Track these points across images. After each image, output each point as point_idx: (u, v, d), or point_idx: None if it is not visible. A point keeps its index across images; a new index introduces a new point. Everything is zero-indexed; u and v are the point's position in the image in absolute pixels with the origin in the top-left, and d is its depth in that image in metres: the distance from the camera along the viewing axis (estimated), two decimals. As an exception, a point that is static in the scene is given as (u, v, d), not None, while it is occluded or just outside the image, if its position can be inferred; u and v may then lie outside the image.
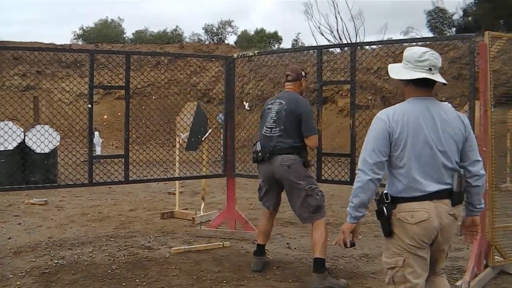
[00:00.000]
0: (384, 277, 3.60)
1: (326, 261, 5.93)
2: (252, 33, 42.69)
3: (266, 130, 6.02)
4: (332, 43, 33.72)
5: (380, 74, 20.77)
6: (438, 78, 3.63)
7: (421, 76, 3.59)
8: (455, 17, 35.60)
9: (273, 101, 6.15)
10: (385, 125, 3.60)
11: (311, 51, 10.63)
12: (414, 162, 3.54)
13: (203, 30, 43.29)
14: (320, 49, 7.23)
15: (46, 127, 10.28)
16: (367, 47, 19.87)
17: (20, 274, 6.05)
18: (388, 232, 3.64)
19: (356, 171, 3.68)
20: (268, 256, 6.74)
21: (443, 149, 3.56)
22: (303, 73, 6.30)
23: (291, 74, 6.21)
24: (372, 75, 20.81)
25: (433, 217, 3.50)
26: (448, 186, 3.59)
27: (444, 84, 3.71)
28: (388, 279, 3.68)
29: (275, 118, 5.97)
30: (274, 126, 5.96)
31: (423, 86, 3.66)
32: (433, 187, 3.55)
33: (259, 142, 6.13)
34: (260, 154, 5.99)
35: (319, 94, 7.00)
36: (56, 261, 6.59)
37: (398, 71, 3.74)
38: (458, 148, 3.63)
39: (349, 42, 32.97)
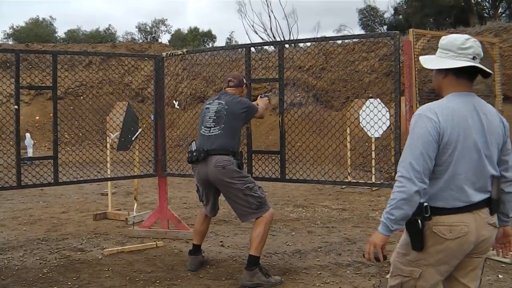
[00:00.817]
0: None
1: (260, 258, 5.97)
2: (186, 31, 42.61)
3: (205, 130, 6.00)
4: (266, 41, 33.87)
5: (313, 71, 20.98)
6: (486, 68, 3.21)
7: (467, 65, 3.16)
8: (387, 15, 36.44)
9: (211, 101, 6.18)
10: (435, 124, 3.09)
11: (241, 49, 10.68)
12: (460, 169, 3.11)
13: (137, 29, 43.04)
14: (248, 47, 7.29)
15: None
16: (301, 44, 20.07)
17: None
18: (420, 247, 3.19)
19: (398, 178, 3.13)
20: (204, 255, 6.75)
21: (489, 154, 3.17)
22: (244, 80, 6.41)
23: (232, 80, 6.29)
24: (305, 73, 21.00)
25: (472, 231, 3.13)
26: (489, 194, 3.21)
27: (488, 75, 3.29)
28: (396, 283, 3.36)
29: (214, 118, 5.96)
30: (213, 126, 5.95)
31: (466, 78, 3.23)
32: (477, 196, 3.15)
33: (194, 141, 6.12)
34: (195, 154, 5.93)
35: (248, 91, 7.05)
36: (-14, 268, 6.46)
37: (435, 62, 3.29)
38: (498, 152, 3.26)
39: (281, 40, 33.20)
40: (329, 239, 7.61)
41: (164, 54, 7.98)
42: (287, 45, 7.82)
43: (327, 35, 33.46)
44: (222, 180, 5.78)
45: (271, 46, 24.02)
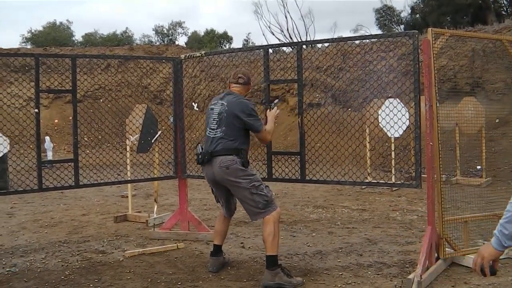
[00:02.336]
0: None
1: (280, 259, 5.96)
2: (203, 33, 42.71)
3: (210, 132, 6.05)
4: (283, 42, 33.86)
5: (331, 71, 20.93)
6: None
7: None
8: (403, 14, 36.29)
9: (215, 102, 6.19)
10: None
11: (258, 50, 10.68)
12: None
13: (154, 32, 43.21)
14: (266, 48, 7.29)
15: (-2, 133, 10.10)
16: (318, 45, 20.03)
17: (-30, 284, 5.96)
18: None
19: None
20: (225, 256, 6.76)
21: None
22: (252, 78, 6.39)
23: (242, 77, 6.24)
24: (323, 73, 20.96)
25: None
26: None
27: None
28: None
29: (217, 120, 5.99)
30: (216, 127, 5.98)
31: None
32: None
33: (199, 144, 6.17)
34: (200, 156, 6.02)
35: (267, 92, 7.05)
36: (8, 269, 6.50)
37: None
38: None
39: (299, 41, 33.18)
40: (350, 240, 7.58)
41: (182, 56, 7.99)
42: (305, 46, 7.82)
43: (344, 35, 33.55)
44: (228, 180, 5.85)
45: (288, 47, 24.05)
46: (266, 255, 5.81)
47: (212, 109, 6.12)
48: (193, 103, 13.42)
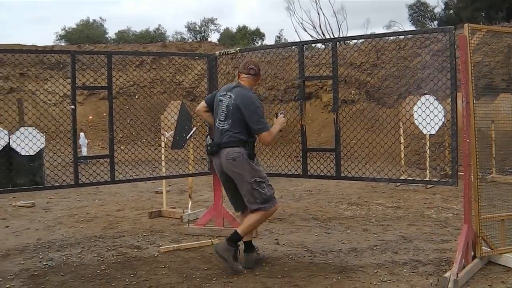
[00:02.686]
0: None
1: (315, 256, 5.91)
2: (235, 30, 42.72)
3: (219, 123, 6.15)
4: (316, 39, 33.72)
5: (364, 68, 20.81)
6: None
7: None
8: (437, 10, 35.92)
9: (224, 93, 6.23)
10: None
11: (293, 47, 10.63)
12: None
13: (186, 29, 43.30)
14: (301, 44, 7.27)
15: (30, 129, 10.19)
16: (351, 41, 19.93)
17: (9, 277, 6.04)
18: None
19: None
20: (258, 252, 6.76)
21: None
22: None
23: (253, 68, 6.31)
24: (357, 70, 20.85)
25: None
26: None
27: None
28: None
29: (226, 112, 6.09)
30: (223, 120, 6.09)
31: None
32: None
33: (208, 136, 6.30)
34: (209, 147, 6.16)
35: (302, 89, 7.03)
36: (44, 263, 6.58)
37: None
38: None
39: (331, 37, 33.06)
40: (385, 237, 7.52)
41: (217, 53, 8.00)
42: (339, 42, 7.77)
43: (376, 32, 33.23)
44: (233, 172, 6.02)
45: (321, 44, 23.95)
46: (235, 230, 6.12)
47: (221, 100, 6.19)
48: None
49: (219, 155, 6.07)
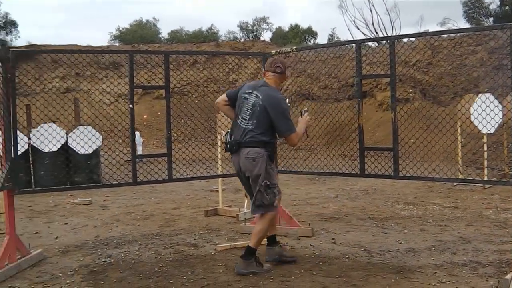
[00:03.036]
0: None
1: (372, 256, 5.87)
2: (287, 29, 42.69)
3: (242, 121, 6.08)
4: (368, 37, 33.43)
5: (419, 66, 20.58)
6: None
7: None
8: (492, 6, 35.24)
9: (249, 91, 6.16)
10: None
11: (348, 45, 10.57)
12: None
13: (238, 28, 43.46)
14: (358, 43, 7.22)
15: (89, 128, 10.38)
16: (404, 39, 19.73)
17: (69, 273, 6.16)
18: None
19: None
20: (314, 252, 6.74)
21: None
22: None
23: (280, 67, 6.23)
24: (411, 68, 20.63)
25: None
26: None
27: None
28: None
29: (251, 112, 6.03)
30: (248, 119, 6.04)
31: None
32: None
33: (229, 132, 6.22)
34: (228, 146, 6.12)
35: (359, 88, 6.98)
36: (103, 260, 6.69)
37: None
38: None
39: (385, 35, 32.80)
40: (443, 238, 7.42)
41: (273, 51, 7.99)
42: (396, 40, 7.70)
43: (430, 29, 32.81)
44: (251, 171, 5.98)
45: (374, 42, 23.78)
46: (247, 245, 6.07)
47: (246, 98, 6.12)
48: (286, 98, 13.41)
49: (238, 153, 6.04)
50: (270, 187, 5.99)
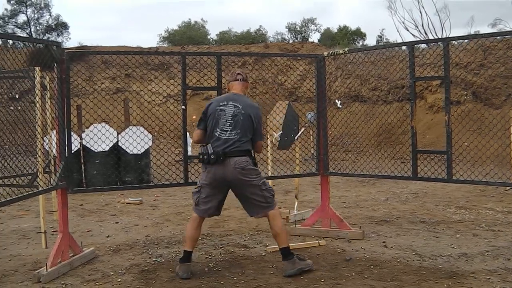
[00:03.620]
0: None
1: (424, 260, 5.81)
2: (335, 30, 42.52)
3: (221, 133, 6.06)
4: (418, 38, 33.10)
5: (471, 68, 20.29)
6: None
7: None
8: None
9: (225, 103, 6.18)
10: None
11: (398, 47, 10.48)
12: None
13: (286, 29, 43.43)
14: (411, 44, 7.16)
15: (141, 128, 10.50)
16: (454, 41, 19.43)
17: (120, 271, 6.26)
18: None
19: None
20: (364, 255, 6.70)
21: None
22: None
23: (241, 74, 6.47)
24: (463, 70, 20.35)
25: None
26: None
27: None
28: None
29: (232, 122, 6.05)
30: (230, 130, 6.05)
31: None
32: None
33: (210, 144, 6.12)
34: (212, 156, 6.02)
35: (412, 90, 6.92)
36: (154, 259, 6.77)
37: None
38: None
39: (435, 36, 32.47)
40: (496, 243, 7.29)
41: (325, 53, 7.97)
42: (440, 43, 7.54)
43: (481, 30, 32.32)
44: (241, 180, 6.02)
45: (423, 44, 23.48)
46: (280, 248, 6.12)
47: (223, 110, 6.13)
48: (337, 100, 13.35)
49: (223, 163, 5.99)
50: (266, 182, 6.23)
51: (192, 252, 6.28)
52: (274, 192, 6.27)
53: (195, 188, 6.36)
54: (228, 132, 6.05)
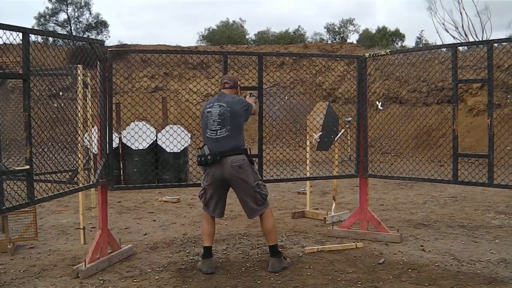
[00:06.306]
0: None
1: (462, 265, 5.75)
2: (374, 31, 42.22)
3: (211, 133, 6.20)
4: (459, 40, 32.73)
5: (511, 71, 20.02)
6: None
7: None
8: None
9: (211, 105, 6.33)
10: None
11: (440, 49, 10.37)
12: None
13: (325, 30, 43.24)
14: (454, 46, 7.09)
15: (182, 127, 10.55)
16: (495, 44, 19.16)
17: (157, 269, 6.32)
18: None
19: None
20: (402, 258, 6.65)
21: None
22: (239, 82, 6.65)
23: (228, 82, 6.56)
24: (503, 73, 20.08)
25: None
26: None
27: None
28: None
29: (219, 121, 6.18)
30: (219, 128, 6.18)
31: None
32: None
33: (206, 145, 6.25)
34: (209, 157, 6.14)
35: (455, 93, 6.86)
36: (191, 258, 6.83)
37: None
38: None
39: (476, 38, 32.12)
40: (537, 249, 7.19)
41: (366, 54, 7.93)
42: (482, 45, 7.43)
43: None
44: (238, 178, 6.18)
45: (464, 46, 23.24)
46: (269, 245, 6.37)
47: (209, 112, 6.29)
48: (377, 102, 13.27)
49: (220, 163, 6.13)
50: (261, 184, 6.34)
51: (211, 247, 6.45)
52: (266, 195, 6.41)
53: (200, 191, 6.51)
54: (218, 131, 6.19)
